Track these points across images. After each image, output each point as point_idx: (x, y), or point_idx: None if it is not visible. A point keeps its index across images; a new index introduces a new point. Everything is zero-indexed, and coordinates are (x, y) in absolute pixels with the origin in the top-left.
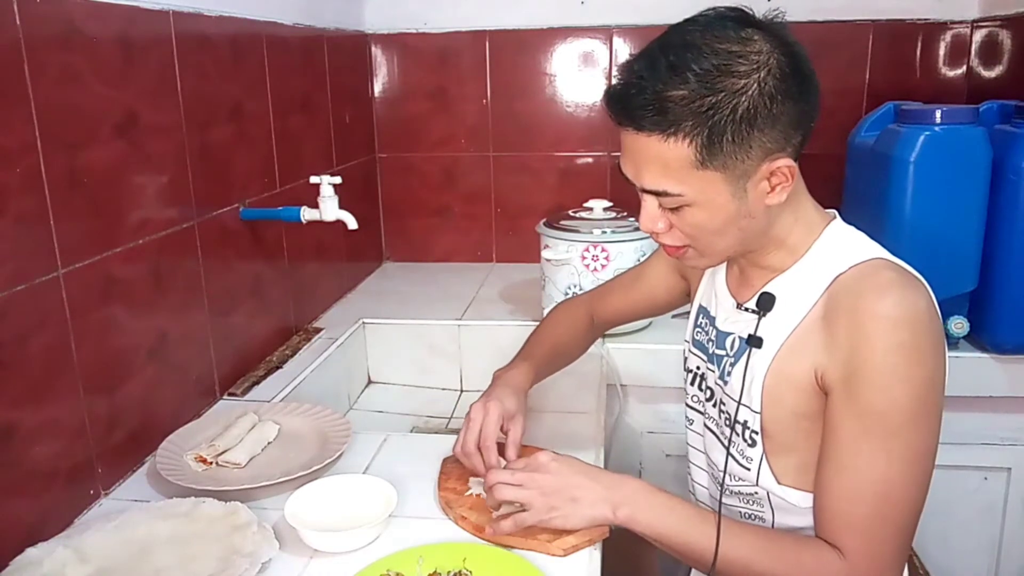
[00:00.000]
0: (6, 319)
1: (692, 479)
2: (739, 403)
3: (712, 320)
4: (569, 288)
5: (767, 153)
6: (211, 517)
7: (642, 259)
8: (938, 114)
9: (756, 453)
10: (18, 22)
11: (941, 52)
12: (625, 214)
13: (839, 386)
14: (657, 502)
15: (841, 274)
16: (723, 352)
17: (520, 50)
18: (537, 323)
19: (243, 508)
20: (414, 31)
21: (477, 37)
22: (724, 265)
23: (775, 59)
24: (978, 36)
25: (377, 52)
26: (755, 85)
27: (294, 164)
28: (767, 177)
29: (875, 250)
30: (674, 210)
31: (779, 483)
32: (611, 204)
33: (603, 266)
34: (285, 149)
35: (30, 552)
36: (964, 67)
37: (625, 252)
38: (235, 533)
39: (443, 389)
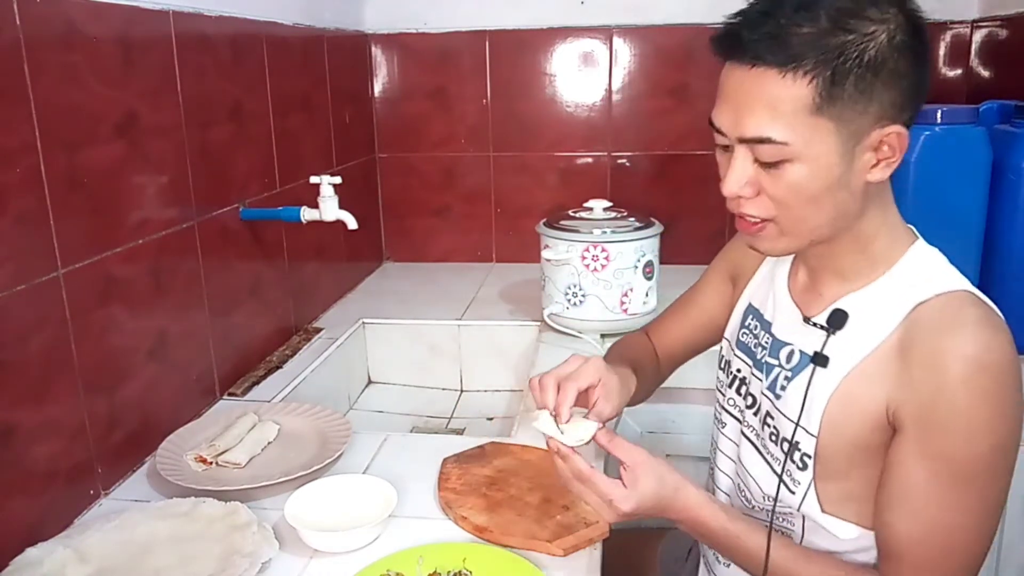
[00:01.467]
0: (6, 319)
1: (713, 482)
2: (796, 424)
3: (766, 325)
4: (569, 288)
5: (882, 115)
6: (211, 517)
7: (642, 259)
8: (938, 114)
9: (805, 478)
10: (18, 22)
11: (941, 52)
12: (625, 214)
13: (912, 426)
14: (715, 535)
15: (923, 302)
16: (776, 362)
17: (520, 50)
18: (538, 323)
19: (243, 508)
20: (414, 31)
21: (477, 37)
22: (786, 269)
23: (904, 17)
24: (978, 36)
25: (377, 52)
26: (884, 34)
27: (294, 164)
28: (875, 147)
29: (959, 281)
30: (771, 167)
31: (823, 511)
32: (611, 204)
33: (603, 266)
34: (285, 149)
35: (30, 552)
36: (964, 67)
37: (625, 252)
38: (235, 533)
39: (443, 389)
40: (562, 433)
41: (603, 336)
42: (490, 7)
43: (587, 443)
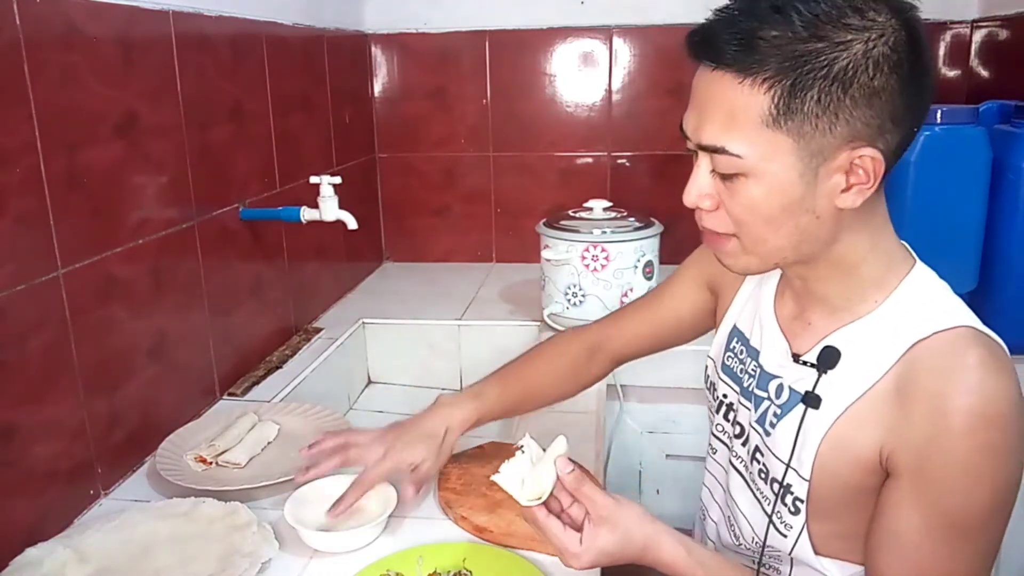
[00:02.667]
0: (6, 319)
1: (704, 506)
2: (787, 465)
3: (753, 352)
4: (569, 288)
5: (853, 136)
6: (211, 517)
7: (641, 259)
8: (938, 114)
9: (798, 522)
10: (18, 22)
11: (941, 52)
12: (625, 214)
13: (908, 473)
14: None
15: (922, 340)
16: (764, 395)
17: (520, 50)
18: (537, 323)
19: (243, 508)
20: (414, 31)
21: (477, 37)
22: (772, 290)
23: (893, 29)
24: (978, 36)
25: (377, 52)
26: (861, 45)
27: (294, 164)
28: (845, 169)
29: (961, 314)
30: (727, 180)
31: (817, 554)
32: (611, 204)
33: (603, 266)
34: (285, 149)
35: (30, 552)
36: (964, 67)
37: (625, 252)
38: (235, 533)
39: (443, 389)
40: (523, 484)
41: None
42: (490, 7)
43: (543, 499)
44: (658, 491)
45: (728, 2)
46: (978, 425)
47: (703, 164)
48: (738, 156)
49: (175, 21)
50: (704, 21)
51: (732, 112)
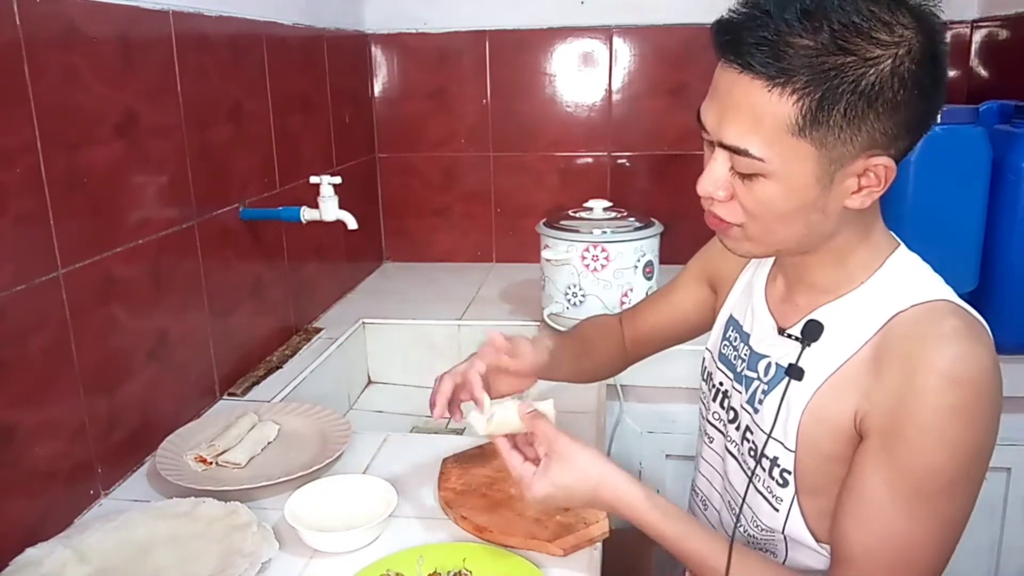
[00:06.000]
0: (6, 319)
1: (704, 495)
2: (769, 436)
3: (745, 337)
4: (569, 288)
5: (871, 145)
6: (211, 517)
7: (641, 259)
8: (938, 114)
9: (787, 494)
10: (18, 22)
11: None
12: (625, 214)
13: (876, 435)
14: (657, 536)
15: (900, 312)
16: (754, 375)
17: (520, 50)
18: (537, 323)
19: (243, 508)
20: (414, 31)
21: (477, 37)
22: (764, 277)
23: (919, 43)
24: (978, 36)
25: (377, 52)
26: (889, 61)
27: (294, 164)
28: (859, 174)
29: (940, 289)
30: (745, 177)
31: (818, 540)
32: (611, 204)
33: (603, 266)
34: (285, 149)
35: (30, 552)
36: (964, 67)
37: (625, 252)
38: (235, 533)
39: None
40: (488, 422)
41: None
42: (490, 7)
43: (498, 432)
44: (658, 491)
45: None
46: (946, 386)
47: (720, 158)
48: (760, 159)
49: (175, 21)
50: (729, 15)
51: (758, 117)
